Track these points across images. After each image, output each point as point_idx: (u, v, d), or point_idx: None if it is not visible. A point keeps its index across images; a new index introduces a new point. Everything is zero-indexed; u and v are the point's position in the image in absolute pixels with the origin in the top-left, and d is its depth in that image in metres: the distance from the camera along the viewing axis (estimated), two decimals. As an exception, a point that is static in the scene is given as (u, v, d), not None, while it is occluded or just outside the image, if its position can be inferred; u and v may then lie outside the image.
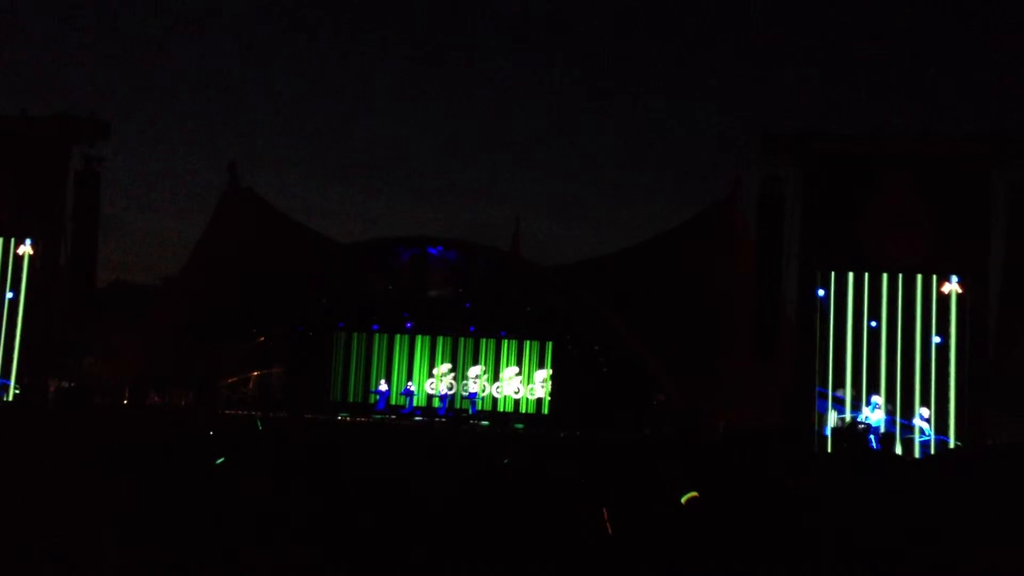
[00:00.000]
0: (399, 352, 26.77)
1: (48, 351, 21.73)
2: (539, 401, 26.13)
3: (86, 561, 6.05)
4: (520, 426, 24.48)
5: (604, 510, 6.14)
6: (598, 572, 6.10)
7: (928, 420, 18.51)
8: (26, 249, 21.55)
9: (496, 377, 26.34)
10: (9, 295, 21.42)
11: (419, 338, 26.77)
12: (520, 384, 26.23)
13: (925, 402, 18.71)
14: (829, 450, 18.58)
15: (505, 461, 7.66)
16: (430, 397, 26.21)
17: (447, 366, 26.38)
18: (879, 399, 18.85)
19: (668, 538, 6.10)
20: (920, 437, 18.35)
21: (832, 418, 19.06)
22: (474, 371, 26.32)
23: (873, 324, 19.23)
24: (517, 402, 26.20)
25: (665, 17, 65.07)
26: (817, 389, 19.18)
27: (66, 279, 21.65)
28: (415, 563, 6.22)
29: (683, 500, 6.25)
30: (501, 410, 26.02)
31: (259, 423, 18.70)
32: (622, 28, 62.71)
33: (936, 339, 18.90)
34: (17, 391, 20.87)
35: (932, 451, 18.24)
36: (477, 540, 6.45)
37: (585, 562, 6.19)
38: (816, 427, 18.90)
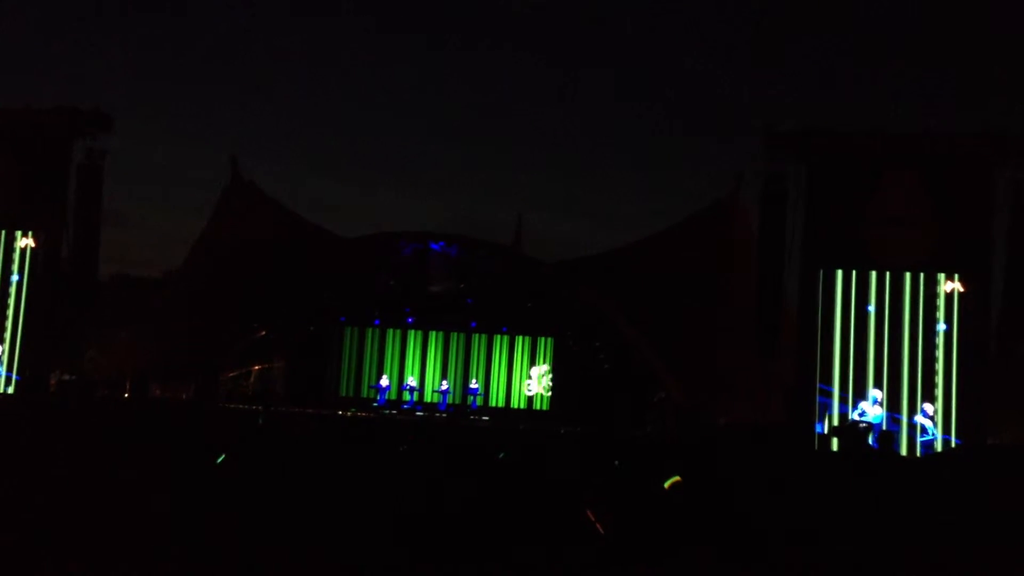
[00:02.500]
0: (400, 347, 26.75)
1: (49, 344, 21.75)
2: (539, 397, 26.09)
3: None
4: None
5: (589, 512, 6.09)
6: (591, 569, 6.07)
7: (932, 417, 18.45)
8: (28, 241, 21.60)
9: (495, 373, 26.30)
10: (15, 278, 21.48)
11: (419, 333, 26.74)
12: (519, 380, 26.18)
13: (927, 400, 18.65)
14: (828, 448, 18.53)
15: (500, 456, 7.64)
16: (431, 392, 26.19)
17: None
18: (879, 394, 18.79)
19: (658, 533, 6.09)
20: (922, 436, 18.28)
21: (828, 415, 18.99)
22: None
23: (871, 311, 19.16)
24: (517, 397, 26.16)
25: (668, 13, 64.99)
26: (819, 386, 19.14)
27: (68, 272, 21.68)
28: (410, 561, 6.20)
29: (666, 485, 6.23)
30: (500, 406, 25.99)
31: (260, 417, 18.70)
32: (625, 25, 62.64)
33: (942, 326, 18.81)
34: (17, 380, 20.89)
35: (937, 450, 18.18)
36: (472, 536, 6.43)
37: (578, 558, 6.17)
38: (816, 424, 18.86)
